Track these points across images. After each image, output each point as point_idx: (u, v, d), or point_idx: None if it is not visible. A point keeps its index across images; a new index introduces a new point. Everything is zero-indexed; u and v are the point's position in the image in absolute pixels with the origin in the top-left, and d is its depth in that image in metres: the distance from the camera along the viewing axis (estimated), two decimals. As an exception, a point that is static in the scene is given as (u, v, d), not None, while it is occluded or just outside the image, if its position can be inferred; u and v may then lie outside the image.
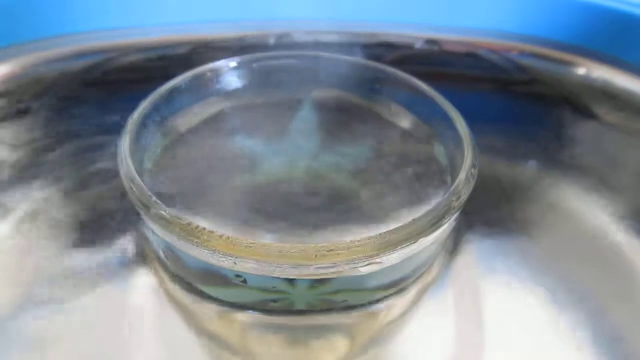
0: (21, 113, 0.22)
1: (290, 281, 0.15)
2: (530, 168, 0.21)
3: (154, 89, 0.19)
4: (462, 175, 0.16)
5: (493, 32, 0.23)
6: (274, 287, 0.15)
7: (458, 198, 0.16)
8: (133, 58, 0.23)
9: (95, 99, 0.23)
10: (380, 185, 0.19)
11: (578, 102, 0.23)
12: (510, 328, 0.16)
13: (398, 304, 0.17)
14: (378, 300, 0.16)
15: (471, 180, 0.16)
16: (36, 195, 0.19)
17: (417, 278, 0.17)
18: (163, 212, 0.15)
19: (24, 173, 0.20)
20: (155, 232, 0.16)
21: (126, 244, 0.18)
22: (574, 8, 0.22)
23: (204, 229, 0.14)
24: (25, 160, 0.21)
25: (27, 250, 0.18)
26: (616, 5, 0.22)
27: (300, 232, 0.17)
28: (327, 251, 0.14)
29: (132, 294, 0.17)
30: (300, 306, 0.16)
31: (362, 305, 0.16)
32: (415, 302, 0.17)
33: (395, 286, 0.17)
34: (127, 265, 0.17)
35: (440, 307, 0.17)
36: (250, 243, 0.14)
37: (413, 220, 0.15)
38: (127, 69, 0.23)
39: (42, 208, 0.19)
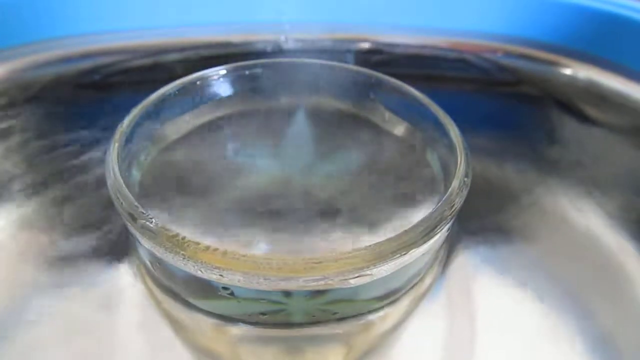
0: (11, 117, 0.21)
1: (286, 293, 0.15)
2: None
3: (146, 95, 0.19)
4: (455, 184, 0.16)
5: (479, 34, 0.23)
6: (263, 299, 0.15)
7: (451, 207, 0.15)
8: (124, 64, 0.23)
9: (85, 104, 0.23)
10: (373, 193, 0.19)
11: (565, 102, 0.23)
12: (504, 336, 0.16)
13: (392, 314, 0.16)
14: (372, 311, 0.16)
15: (464, 189, 0.16)
16: (24, 200, 0.19)
17: (411, 288, 0.17)
18: (149, 224, 0.14)
19: (12, 177, 0.20)
20: (142, 243, 0.15)
21: (115, 253, 0.18)
22: (559, 9, 0.23)
23: (190, 240, 0.14)
24: (14, 164, 0.20)
25: (16, 252, 0.18)
26: (601, 5, 0.22)
27: (292, 242, 0.17)
28: (316, 263, 0.13)
29: (120, 304, 0.16)
30: (297, 318, 0.16)
31: (356, 316, 0.16)
32: (409, 311, 0.17)
33: (390, 297, 0.16)
34: (116, 275, 0.17)
35: (434, 317, 0.17)
36: (238, 255, 0.13)
37: (405, 231, 0.14)
38: (119, 74, 0.23)
39: (30, 214, 0.19)
